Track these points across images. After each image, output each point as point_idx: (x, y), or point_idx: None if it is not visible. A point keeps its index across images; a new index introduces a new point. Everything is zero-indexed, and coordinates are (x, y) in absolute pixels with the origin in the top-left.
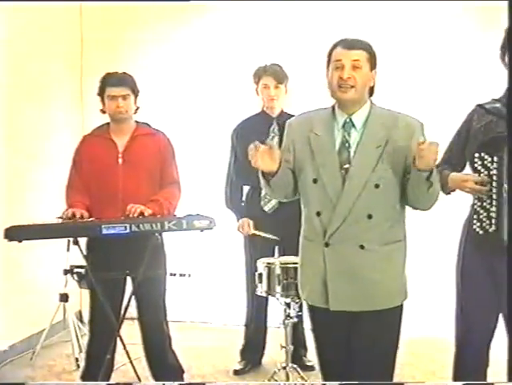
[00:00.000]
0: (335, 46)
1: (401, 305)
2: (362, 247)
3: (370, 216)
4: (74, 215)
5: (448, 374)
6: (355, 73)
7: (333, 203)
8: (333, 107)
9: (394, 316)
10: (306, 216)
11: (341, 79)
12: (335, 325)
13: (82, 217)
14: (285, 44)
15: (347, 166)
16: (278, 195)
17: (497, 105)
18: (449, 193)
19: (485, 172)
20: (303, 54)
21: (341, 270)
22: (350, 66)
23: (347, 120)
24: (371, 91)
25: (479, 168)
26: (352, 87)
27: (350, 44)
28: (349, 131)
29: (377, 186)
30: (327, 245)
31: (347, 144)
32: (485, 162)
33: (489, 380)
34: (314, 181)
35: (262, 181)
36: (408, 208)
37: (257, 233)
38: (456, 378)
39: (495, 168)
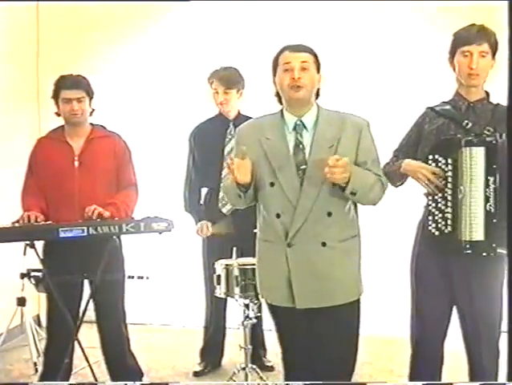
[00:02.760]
0: (281, 52)
1: (359, 300)
2: (324, 244)
3: (330, 214)
4: (30, 219)
5: (405, 372)
6: (304, 74)
7: (293, 204)
8: (281, 112)
9: (353, 310)
10: (265, 219)
11: (292, 79)
12: (298, 321)
13: (38, 221)
14: (243, 46)
15: (303, 167)
16: (246, 204)
17: (448, 107)
18: (399, 185)
19: (441, 173)
20: (261, 56)
21: (305, 269)
22: (299, 68)
23: (298, 122)
24: (318, 93)
25: (434, 168)
26: (303, 87)
27: (297, 48)
28: (301, 133)
29: (334, 184)
30: (289, 245)
31: (301, 146)
32: (439, 164)
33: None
34: (272, 184)
35: (238, 193)
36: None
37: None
38: (412, 375)
39: (450, 170)
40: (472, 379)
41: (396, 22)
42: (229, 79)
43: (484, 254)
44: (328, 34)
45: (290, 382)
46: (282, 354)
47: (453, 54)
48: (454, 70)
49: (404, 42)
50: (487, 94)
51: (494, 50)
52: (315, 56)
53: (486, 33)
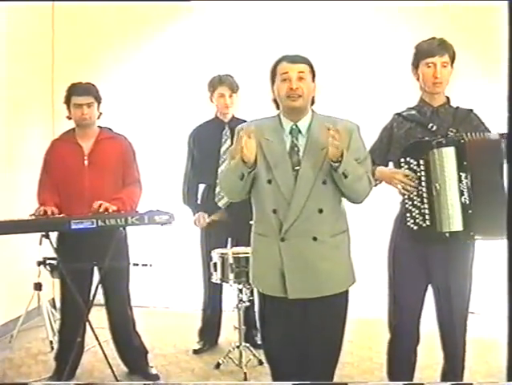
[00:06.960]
0: (278, 62)
1: (347, 291)
2: (315, 239)
3: (321, 211)
4: (45, 212)
5: (382, 349)
6: (301, 83)
7: (287, 201)
8: (279, 116)
9: (341, 300)
10: (261, 214)
11: (290, 89)
12: (290, 311)
13: (52, 214)
14: (239, 55)
15: (297, 168)
16: (242, 193)
17: (413, 112)
18: (375, 185)
19: (413, 175)
20: (251, 65)
21: (297, 262)
22: (296, 78)
23: (294, 127)
24: (312, 100)
25: (406, 171)
26: (300, 96)
27: (294, 59)
28: (297, 137)
29: (324, 183)
30: (282, 240)
31: (296, 148)
32: (412, 165)
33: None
34: (269, 182)
35: (242, 173)
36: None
37: (212, 217)
38: (390, 353)
39: (422, 170)
40: (444, 352)
41: (385, 27)
42: (233, 84)
43: (466, 242)
44: (312, 43)
45: (280, 382)
46: (265, 347)
47: (416, 65)
48: (418, 79)
49: (389, 48)
50: (448, 99)
51: (453, 60)
52: (311, 66)
53: (446, 45)
